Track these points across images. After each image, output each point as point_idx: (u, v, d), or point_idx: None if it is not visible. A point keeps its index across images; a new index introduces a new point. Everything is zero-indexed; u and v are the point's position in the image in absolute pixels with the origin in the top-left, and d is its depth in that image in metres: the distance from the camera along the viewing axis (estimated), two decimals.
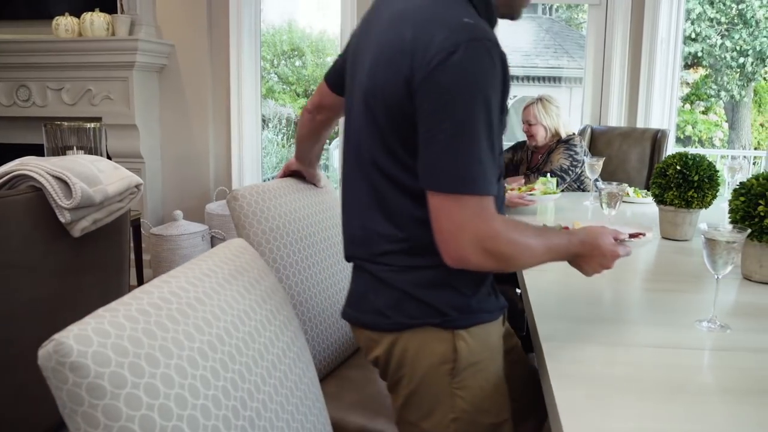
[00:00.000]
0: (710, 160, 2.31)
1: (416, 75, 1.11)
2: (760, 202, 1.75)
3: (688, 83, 12.87)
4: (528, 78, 11.01)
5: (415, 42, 1.12)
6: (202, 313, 0.80)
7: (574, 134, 3.55)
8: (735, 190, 1.85)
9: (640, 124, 4.33)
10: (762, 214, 1.74)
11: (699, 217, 2.31)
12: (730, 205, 1.86)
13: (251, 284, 0.94)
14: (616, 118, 4.38)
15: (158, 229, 4.54)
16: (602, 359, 1.31)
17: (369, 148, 1.27)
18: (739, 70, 11.68)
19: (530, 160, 3.70)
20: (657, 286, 1.80)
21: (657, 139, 3.87)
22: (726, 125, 12.52)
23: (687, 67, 12.70)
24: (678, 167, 2.26)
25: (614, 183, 2.13)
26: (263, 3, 4.89)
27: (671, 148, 4.35)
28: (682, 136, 12.47)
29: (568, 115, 4.35)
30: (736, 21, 11.53)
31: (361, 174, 1.31)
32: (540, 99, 3.57)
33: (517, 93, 11.14)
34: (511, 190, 2.95)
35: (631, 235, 1.66)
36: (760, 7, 10.81)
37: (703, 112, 12.77)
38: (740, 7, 11.36)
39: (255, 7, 4.80)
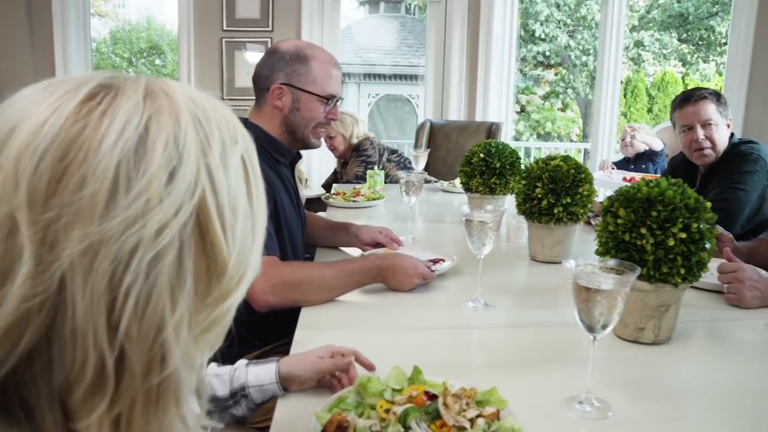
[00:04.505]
0: (513, 149, 2.40)
1: None
2: (538, 184, 1.82)
3: (549, 82, 13.61)
4: (393, 76, 11.19)
5: None
6: None
7: (366, 137, 3.64)
8: (518, 174, 1.92)
9: (478, 117, 4.48)
10: (540, 196, 1.81)
11: (504, 203, 2.39)
12: (515, 189, 1.92)
13: None
14: (456, 113, 4.50)
15: None
16: (362, 343, 1.30)
17: None
18: (584, 68, 12.50)
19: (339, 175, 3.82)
20: (449, 271, 1.82)
21: (492, 131, 4.00)
22: (581, 121, 13.33)
23: (548, 66, 13.42)
24: (481, 155, 2.32)
25: (415, 172, 2.16)
26: None
27: (508, 141, 4.53)
28: (543, 132, 13.16)
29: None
30: (580, 22, 12.34)
31: None
32: None
33: (381, 91, 11.30)
34: (336, 195, 2.95)
35: (433, 261, 1.77)
36: (599, 10, 11.62)
37: (561, 110, 13.55)
38: (583, 11, 12.17)
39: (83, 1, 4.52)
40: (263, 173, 1.65)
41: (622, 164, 4.09)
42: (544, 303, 1.57)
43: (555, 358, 1.24)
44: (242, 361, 1.09)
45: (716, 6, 11.93)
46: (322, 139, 1.89)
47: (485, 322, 1.43)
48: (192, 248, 0.48)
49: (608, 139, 4.46)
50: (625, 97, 12.43)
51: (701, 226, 1.22)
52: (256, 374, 1.05)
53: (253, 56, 4.56)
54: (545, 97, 13.44)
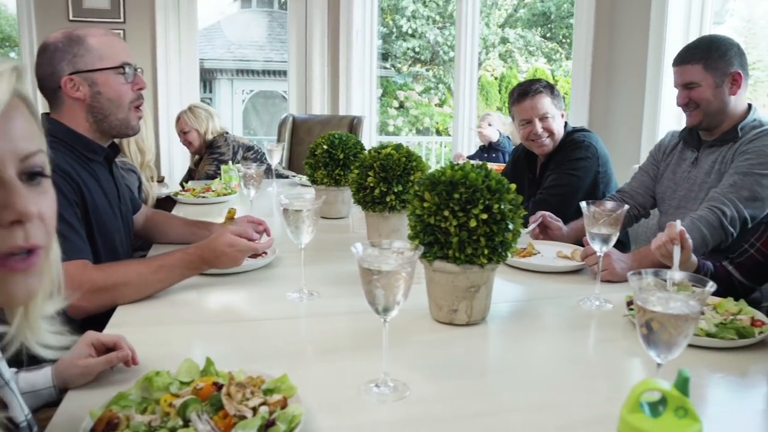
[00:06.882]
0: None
1: None
2: (369, 173, 1.83)
3: (425, 78, 13.90)
4: (266, 72, 11.02)
5: None
6: None
7: (221, 134, 3.59)
8: (353, 164, 1.92)
9: (342, 112, 4.48)
10: (372, 185, 1.82)
11: (351, 195, 2.39)
12: (350, 178, 1.93)
13: None
14: (319, 107, 4.48)
15: None
16: (174, 338, 1.25)
17: None
18: (453, 64, 12.92)
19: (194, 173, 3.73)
20: (277, 263, 1.80)
21: (353, 125, 4.02)
22: None
23: (423, 63, 13.70)
24: (325, 147, 2.32)
25: (254, 165, 2.12)
26: None
27: (372, 134, 4.57)
28: (421, 127, 13.43)
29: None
30: (448, 19, 12.72)
31: None
32: (189, 108, 3.61)
33: (254, 87, 11.12)
34: (186, 191, 2.88)
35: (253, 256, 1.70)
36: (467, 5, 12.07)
37: (439, 105, 13.88)
38: (450, 7, 12.54)
39: None
40: (73, 172, 1.51)
41: (478, 154, 4.23)
42: None
43: (366, 344, 1.24)
44: (11, 370, 1.01)
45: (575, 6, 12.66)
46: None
47: (308, 311, 1.42)
48: None
49: (467, 132, 4.60)
50: (500, 92, 12.93)
51: (503, 206, 1.27)
52: (29, 380, 0.98)
53: None
54: (422, 93, 13.72)
